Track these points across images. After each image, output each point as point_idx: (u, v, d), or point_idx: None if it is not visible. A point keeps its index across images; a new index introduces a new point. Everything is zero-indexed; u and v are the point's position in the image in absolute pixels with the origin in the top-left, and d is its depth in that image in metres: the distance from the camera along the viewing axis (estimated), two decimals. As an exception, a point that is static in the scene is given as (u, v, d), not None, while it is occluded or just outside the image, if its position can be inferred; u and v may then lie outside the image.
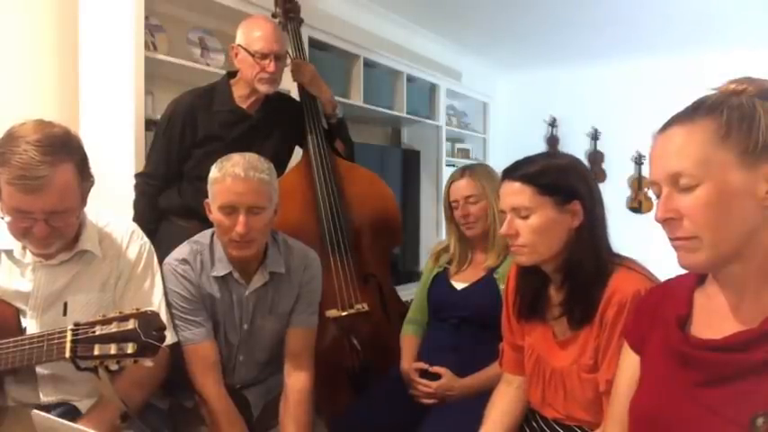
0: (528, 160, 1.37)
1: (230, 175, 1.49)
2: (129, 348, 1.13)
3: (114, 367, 1.16)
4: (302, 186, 2.17)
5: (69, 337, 1.14)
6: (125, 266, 1.46)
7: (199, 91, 2.07)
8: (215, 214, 1.53)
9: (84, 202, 1.34)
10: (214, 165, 1.55)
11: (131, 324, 1.13)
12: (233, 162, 1.51)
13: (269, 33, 1.97)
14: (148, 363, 1.15)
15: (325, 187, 2.16)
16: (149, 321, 1.15)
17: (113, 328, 1.13)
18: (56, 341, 1.15)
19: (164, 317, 1.49)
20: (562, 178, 1.33)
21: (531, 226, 1.31)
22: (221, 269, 1.59)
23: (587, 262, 1.31)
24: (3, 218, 1.25)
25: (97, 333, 1.14)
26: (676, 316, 0.96)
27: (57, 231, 1.28)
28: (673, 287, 1.04)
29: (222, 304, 1.61)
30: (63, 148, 1.23)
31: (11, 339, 1.20)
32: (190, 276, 1.57)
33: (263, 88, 2.00)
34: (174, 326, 1.55)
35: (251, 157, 1.54)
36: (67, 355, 1.14)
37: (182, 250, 1.61)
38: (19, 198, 1.20)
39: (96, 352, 1.13)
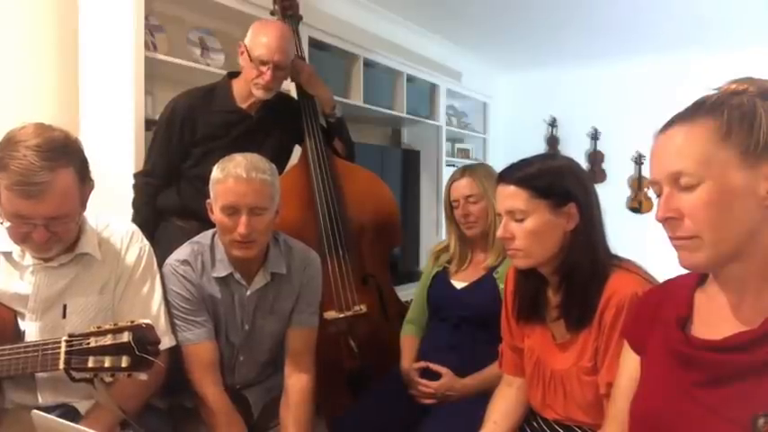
0: (523, 163, 1.37)
1: (232, 175, 1.49)
2: (124, 362, 1.13)
3: (108, 379, 1.16)
4: (300, 186, 2.17)
5: (63, 348, 1.14)
6: (124, 269, 1.45)
7: (198, 91, 2.07)
8: (217, 215, 1.53)
9: (83, 206, 1.33)
10: (216, 165, 1.55)
11: (126, 337, 1.13)
12: (235, 163, 1.51)
13: (273, 42, 1.95)
14: (143, 376, 1.15)
15: (323, 187, 2.15)
16: (144, 335, 1.14)
17: (108, 340, 1.13)
18: (50, 352, 1.15)
19: (162, 320, 1.49)
20: (557, 181, 1.33)
21: (526, 229, 1.31)
22: (222, 270, 1.59)
23: (584, 264, 1.31)
24: (2, 223, 1.25)
25: (91, 345, 1.14)
26: (677, 316, 0.96)
27: (56, 236, 1.27)
28: (673, 287, 1.04)
29: (223, 305, 1.61)
30: (63, 153, 1.22)
31: (6, 347, 1.19)
32: (191, 277, 1.57)
33: (258, 93, 1.99)
34: (175, 326, 1.55)
35: (253, 157, 1.54)
36: (61, 366, 1.14)
37: (182, 251, 1.61)
38: (18, 203, 1.19)
39: (90, 364, 1.13)
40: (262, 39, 1.95)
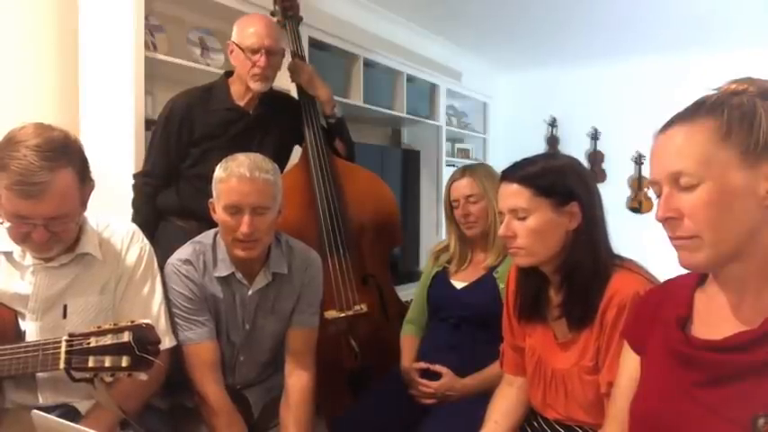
0: (526, 161, 1.37)
1: (235, 175, 1.49)
2: (124, 362, 1.13)
3: (109, 379, 1.16)
4: (300, 186, 2.17)
5: (64, 347, 1.14)
6: (125, 269, 1.45)
7: (196, 90, 2.07)
8: (219, 214, 1.53)
9: (84, 206, 1.33)
10: (219, 164, 1.55)
11: (126, 337, 1.14)
12: (238, 162, 1.51)
13: (260, 29, 1.98)
14: (143, 376, 1.16)
15: (324, 187, 2.16)
16: (144, 335, 1.15)
17: (108, 340, 1.14)
18: (50, 351, 1.15)
19: (163, 320, 1.49)
20: (560, 180, 1.33)
21: (528, 227, 1.31)
22: (224, 269, 1.59)
23: (586, 263, 1.31)
24: (2, 223, 1.25)
25: (92, 345, 1.14)
26: (677, 316, 0.96)
27: (56, 236, 1.27)
28: (673, 287, 1.04)
29: (225, 304, 1.61)
30: (62, 153, 1.23)
31: (7, 346, 1.19)
32: (193, 276, 1.57)
33: (255, 86, 1.99)
34: (177, 325, 1.55)
35: (256, 157, 1.54)
36: (62, 366, 1.14)
37: (184, 250, 1.61)
38: (18, 203, 1.19)
39: (91, 364, 1.14)
40: (249, 29, 1.98)
